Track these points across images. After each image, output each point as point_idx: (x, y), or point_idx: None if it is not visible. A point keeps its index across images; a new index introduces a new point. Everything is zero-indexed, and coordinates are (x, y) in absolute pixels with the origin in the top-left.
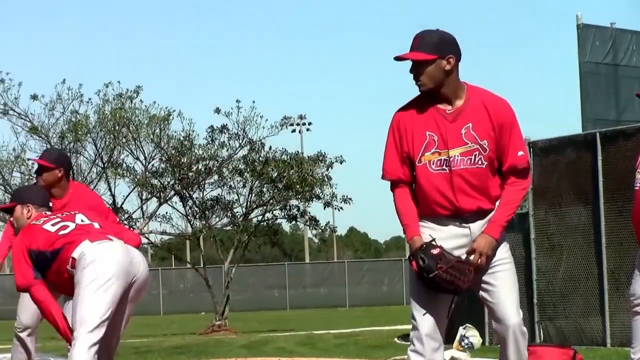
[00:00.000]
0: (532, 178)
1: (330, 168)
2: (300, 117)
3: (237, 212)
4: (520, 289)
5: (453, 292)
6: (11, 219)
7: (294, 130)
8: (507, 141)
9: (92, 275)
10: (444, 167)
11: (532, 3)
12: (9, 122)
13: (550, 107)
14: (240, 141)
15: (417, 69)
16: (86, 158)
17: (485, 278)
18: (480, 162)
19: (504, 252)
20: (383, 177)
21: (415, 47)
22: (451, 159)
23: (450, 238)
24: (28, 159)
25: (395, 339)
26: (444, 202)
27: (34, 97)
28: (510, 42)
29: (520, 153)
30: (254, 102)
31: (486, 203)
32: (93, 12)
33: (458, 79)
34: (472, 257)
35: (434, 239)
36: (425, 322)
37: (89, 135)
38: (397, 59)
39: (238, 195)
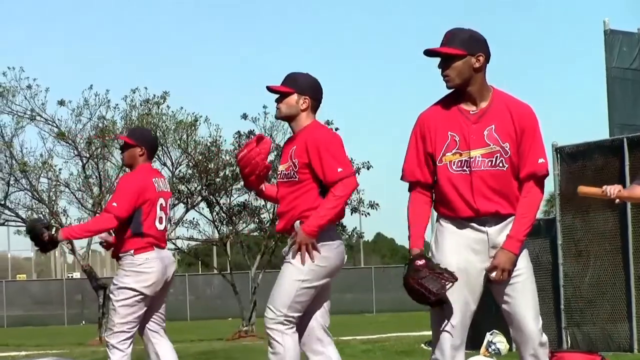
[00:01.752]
0: (559, 184)
1: (357, 173)
2: (327, 123)
3: (264, 217)
4: (547, 294)
5: (426, 303)
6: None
7: None
8: (528, 147)
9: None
10: (465, 168)
11: (559, 8)
12: (36, 128)
13: (577, 113)
14: None
15: (446, 64)
16: (113, 164)
17: (505, 290)
18: (501, 165)
19: (522, 262)
20: (402, 179)
21: (445, 42)
22: (472, 160)
23: (468, 244)
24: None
25: (422, 345)
26: (463, 204)
27: (61, 103)
28: (537, 47)
29: (541, 160)
30: None
31: (505, 207)
32: (119, 18)
33: (485, 80)
34: (493, 274)
35: (421, 250)
36: (447, 329)
37: (116, 141)
38: (427, 52)
39: (265, 201)
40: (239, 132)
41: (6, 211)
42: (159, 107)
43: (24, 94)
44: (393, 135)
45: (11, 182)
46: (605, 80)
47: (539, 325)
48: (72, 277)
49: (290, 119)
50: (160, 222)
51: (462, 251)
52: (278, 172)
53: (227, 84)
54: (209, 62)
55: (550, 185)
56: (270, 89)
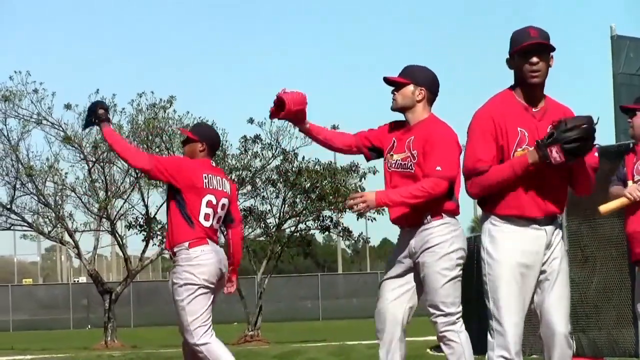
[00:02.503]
0: None
1: (363, 178)
2: (333, 127)
3: (270, 222)
4: None
5: (593, 129)
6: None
7: None
8: None
9: None
10: None
11: (566, 14)
12: (43, 132)
13: None
14: (274, 151)
15: (542, 58)
16: (119, 168)
17: (543, 289)
18: None
19: (564, 265)
20: (474, 167)
21: (540, 36)
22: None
23: (527, 246)
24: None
25: (428, 350)
26: (531, 202)
27: (68, 107)
28: None
29: (596, 154)
30: None
31: (557, 207)
32: (127, 23)
33: None
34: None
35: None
36: (514, 325)
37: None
38: (537, 44)
39: (271, 206)
40: (245, 136)
41: (12, 215)
42: (165, 111)
43: (30, 98)
44: None
45: (17, 186)
46: (611, 86)
47: (568, 328)
48: (77, 281)
49: (405, 109)
50: (207, 219)
51: (521, 255)
52: (393, 161)
53: (233, 88)
54: (215, 66)
55: None
56: (386, 80)
